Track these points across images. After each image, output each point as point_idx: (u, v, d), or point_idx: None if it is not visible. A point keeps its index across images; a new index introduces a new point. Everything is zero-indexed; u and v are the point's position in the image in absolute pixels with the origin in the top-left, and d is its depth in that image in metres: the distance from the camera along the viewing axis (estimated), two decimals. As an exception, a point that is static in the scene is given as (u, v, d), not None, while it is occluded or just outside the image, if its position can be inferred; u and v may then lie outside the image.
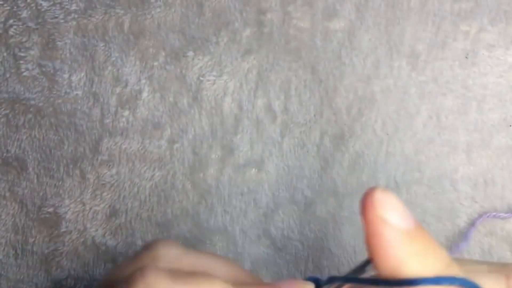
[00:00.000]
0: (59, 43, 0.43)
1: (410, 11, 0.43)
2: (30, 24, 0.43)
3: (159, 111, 0.42)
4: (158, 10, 0.43)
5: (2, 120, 0.42)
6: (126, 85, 0.42)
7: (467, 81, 0.42)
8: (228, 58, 0.43)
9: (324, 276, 0.27)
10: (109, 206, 0.41)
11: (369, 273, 0.25)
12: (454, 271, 0.24)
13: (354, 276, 0.26)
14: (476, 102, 0.42)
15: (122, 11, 0.43)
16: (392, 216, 0.23)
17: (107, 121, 0.42)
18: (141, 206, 0.41)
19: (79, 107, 0.42)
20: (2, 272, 0.40)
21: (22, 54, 0.42)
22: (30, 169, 0.41)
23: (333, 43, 0.43)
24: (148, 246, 0.29)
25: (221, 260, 0.30)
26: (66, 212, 0.41)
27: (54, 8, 0.43)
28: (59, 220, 0.40)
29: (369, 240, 0.24)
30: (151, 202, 0.41)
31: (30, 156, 0.42)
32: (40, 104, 0.42)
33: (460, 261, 0.31)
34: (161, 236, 0.41)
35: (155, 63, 0.43)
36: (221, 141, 0.42)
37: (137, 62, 0.43)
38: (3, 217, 0.41)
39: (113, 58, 0.43)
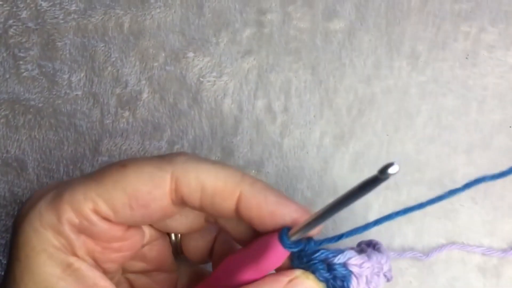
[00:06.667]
0: (59, 44, 0.42)
1: (410, 11, 0.42)
2: (30, 24, 0.43)
3: (159, 112, 0.42)
4: (158, 10, 0.43)
5: (2, 120, 0.42)
6: (126, 85, 0.42)
7: (467, 82, 0.42)
8: (228, 59, 0.43)
9: None
10: (109, 206, 0.41)
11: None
12: None
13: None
14: (477, 103, 0.42)
15: (122, 12, 0.43)
16: None
17: (107, 121, 0.42)
18: (141, 206, 0.41)
19: (79, 108, 0.42)
20: (3, 273, 0.40)
21: (22, 55, 0.42)
22: (30, 169, 0.41)
23: (333, 43, 0.43)
24: None
25: None
26: (66, 213, 0.41)
27: (54, 8, 0.43)
28: (59, 220, 0.40)
29: None
30: (151, 203, 0.41)
31: (30, 157, 0.42)
32: (40, 105, 0.42)
33: None
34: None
35: (155, 64, 0.43)
36: (221, 142, 0.42)
37: (137, 63, 0.42)
38: (2, 217, 0.41)
39: (113, 59, 0.42)
